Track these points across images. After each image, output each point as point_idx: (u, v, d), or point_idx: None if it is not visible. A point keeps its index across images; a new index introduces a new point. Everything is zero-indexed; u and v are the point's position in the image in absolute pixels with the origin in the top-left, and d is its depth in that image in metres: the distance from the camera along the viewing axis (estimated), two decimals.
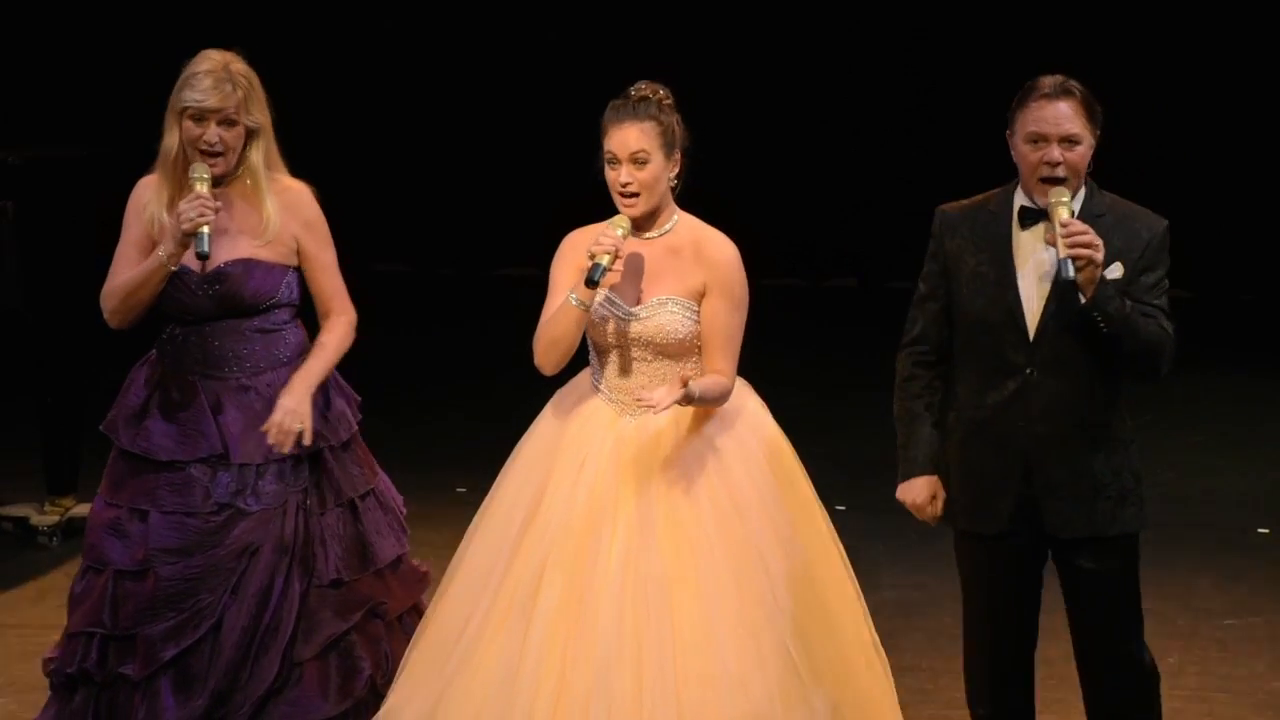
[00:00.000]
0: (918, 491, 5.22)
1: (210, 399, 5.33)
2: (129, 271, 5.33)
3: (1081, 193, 5.09)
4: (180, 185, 5.34)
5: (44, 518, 8.24)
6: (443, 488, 8.56)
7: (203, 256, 5.18)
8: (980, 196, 5.20)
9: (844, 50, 12.94)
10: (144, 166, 5.53)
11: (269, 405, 5.29)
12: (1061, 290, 4.99)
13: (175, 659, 5.24)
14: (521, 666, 5.02)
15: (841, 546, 5.32)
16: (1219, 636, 7.25)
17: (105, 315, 5.38)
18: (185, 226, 5.15)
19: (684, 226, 5.26)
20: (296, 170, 5.51)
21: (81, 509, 7.90)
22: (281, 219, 5.37)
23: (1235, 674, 6.87)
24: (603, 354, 5.27)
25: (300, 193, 5.44)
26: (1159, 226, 5.11)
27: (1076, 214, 5.02)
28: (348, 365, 5.53)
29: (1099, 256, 4.90)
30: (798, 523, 5.21)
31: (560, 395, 5.35)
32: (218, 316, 5.33)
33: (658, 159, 5.16)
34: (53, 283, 8.04)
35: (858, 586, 5.34)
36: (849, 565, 5.33)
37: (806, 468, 5.34)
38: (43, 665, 5.48)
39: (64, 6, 13.07)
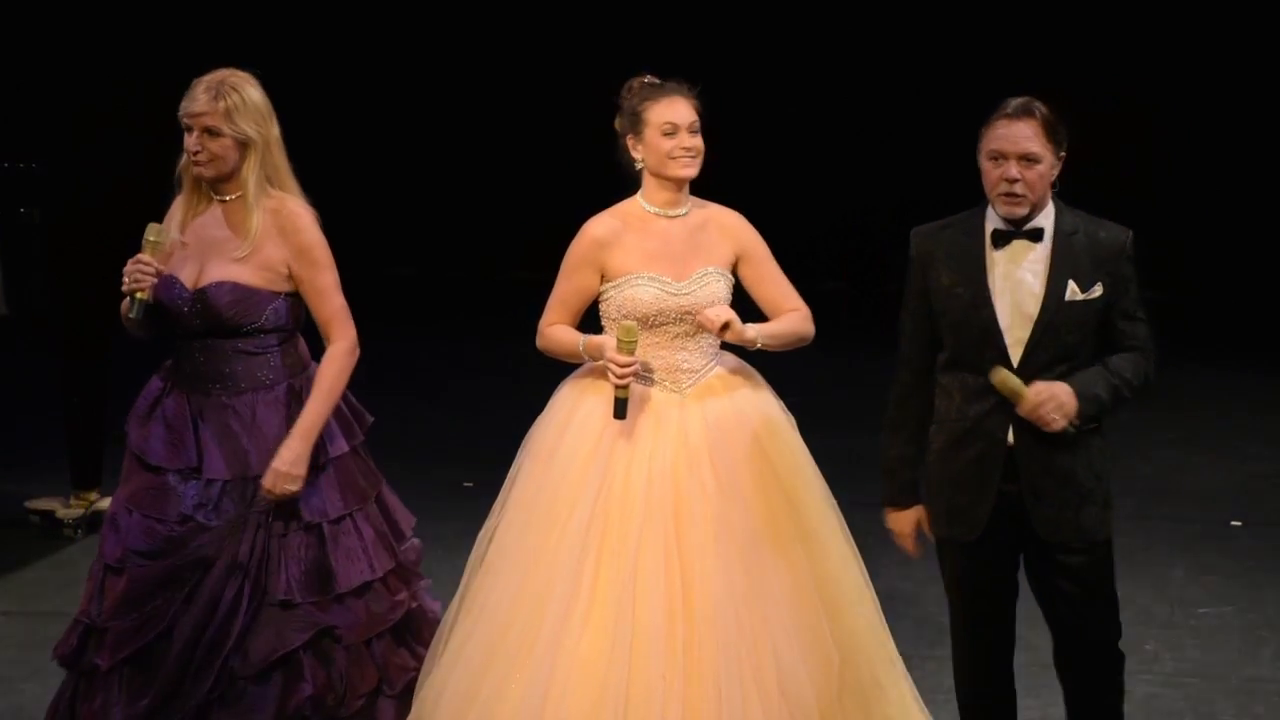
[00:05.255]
0: (906, 522, 5.42)
1: (194, 411, 5.36)
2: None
3: (1050, 210, 5.18)
4: (191, 204, 5.40)
5: (69, 511, 8.33)
6: (450, 483, 8.68)
7: (135, 319, 5.25)
8: (951, 218, 5.28)
9: (839, 58, 13.11)
10: (167, 172, 5.54)
11: (245, 425, 5.33)
12: (1045, 321, 5.13)
13: (130, 657, 5.31)
14: (632, 637, 5.29)
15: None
16: (1193, 625, 7.33)
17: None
18: (123, 287, 5.25)
19: (695, 206, 5.58)
20: (306, 174, 5.41)
21: (104, 503, 7.99)
22: (269, 241, 5.32)
23: (1209, 660, 6.97)
24: (646, 334, 5.48)
25: (296, 217, 5.34)
26: (1125, 237, 5.19)
27: (1050, 233, 5.13)
28: (360, 367, 5.43)
29: (1071, 413, 5.07)
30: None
31: (581, 385, 5.53)
32: (204, 334, 5.34)
33: (627, 144, 5.55)
34: (76, 286, 8.14)
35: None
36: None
37: None
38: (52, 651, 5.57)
39: (87, 16, 13.19)
